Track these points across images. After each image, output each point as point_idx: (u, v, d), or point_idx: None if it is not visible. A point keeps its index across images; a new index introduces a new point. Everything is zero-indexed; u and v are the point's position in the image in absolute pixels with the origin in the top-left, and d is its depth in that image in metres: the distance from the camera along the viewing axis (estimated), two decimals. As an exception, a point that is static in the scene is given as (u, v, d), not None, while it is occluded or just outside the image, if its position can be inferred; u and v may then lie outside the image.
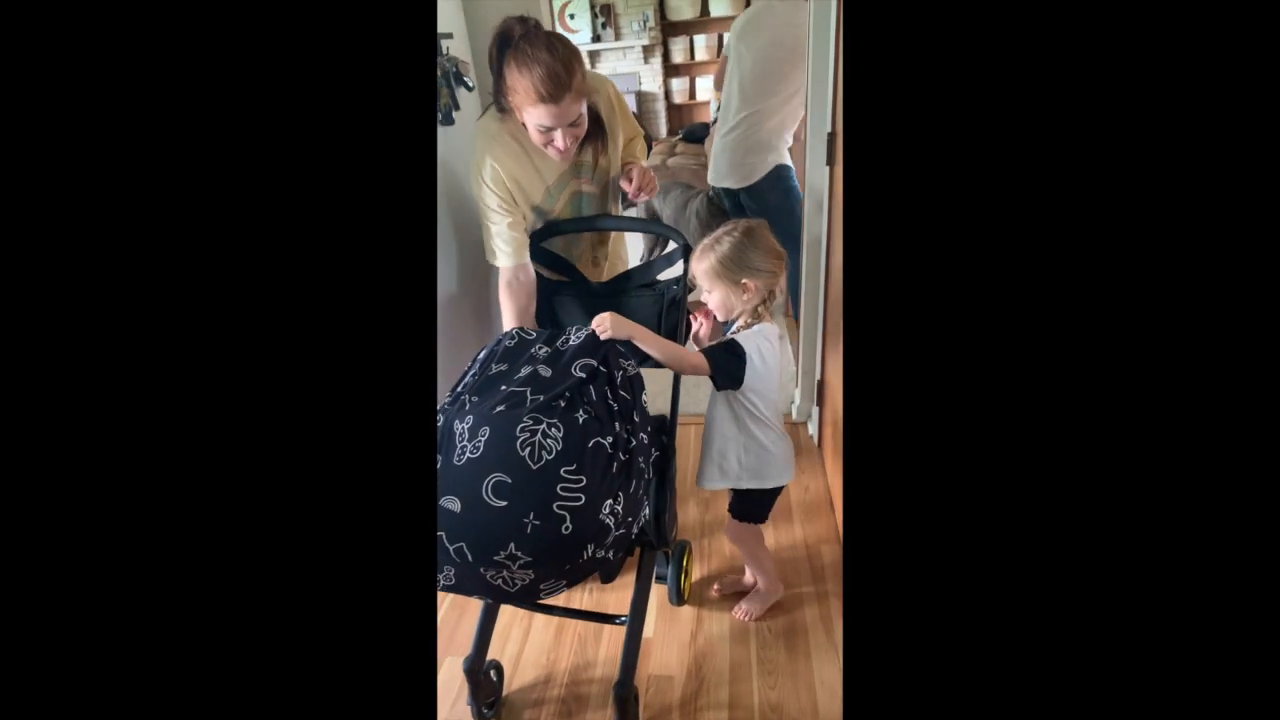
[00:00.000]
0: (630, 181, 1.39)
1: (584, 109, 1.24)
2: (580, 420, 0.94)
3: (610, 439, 0.96)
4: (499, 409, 0.96)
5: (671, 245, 1.39)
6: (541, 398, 0.96)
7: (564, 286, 1.44)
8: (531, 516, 0.89)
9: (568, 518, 0.89)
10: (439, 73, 1.42)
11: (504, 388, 1.00)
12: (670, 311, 1.37)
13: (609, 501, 0.93)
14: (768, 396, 1.25)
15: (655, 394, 1.17)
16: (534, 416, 0.92)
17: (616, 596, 1.52)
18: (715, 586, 1.52)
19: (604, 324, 1.08)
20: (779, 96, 2.14)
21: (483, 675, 1.26)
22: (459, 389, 1.06)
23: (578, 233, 1.46)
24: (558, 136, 1.21)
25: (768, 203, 2.30)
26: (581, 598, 1.53)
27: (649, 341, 1.12)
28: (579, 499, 0.90)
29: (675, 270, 1.40)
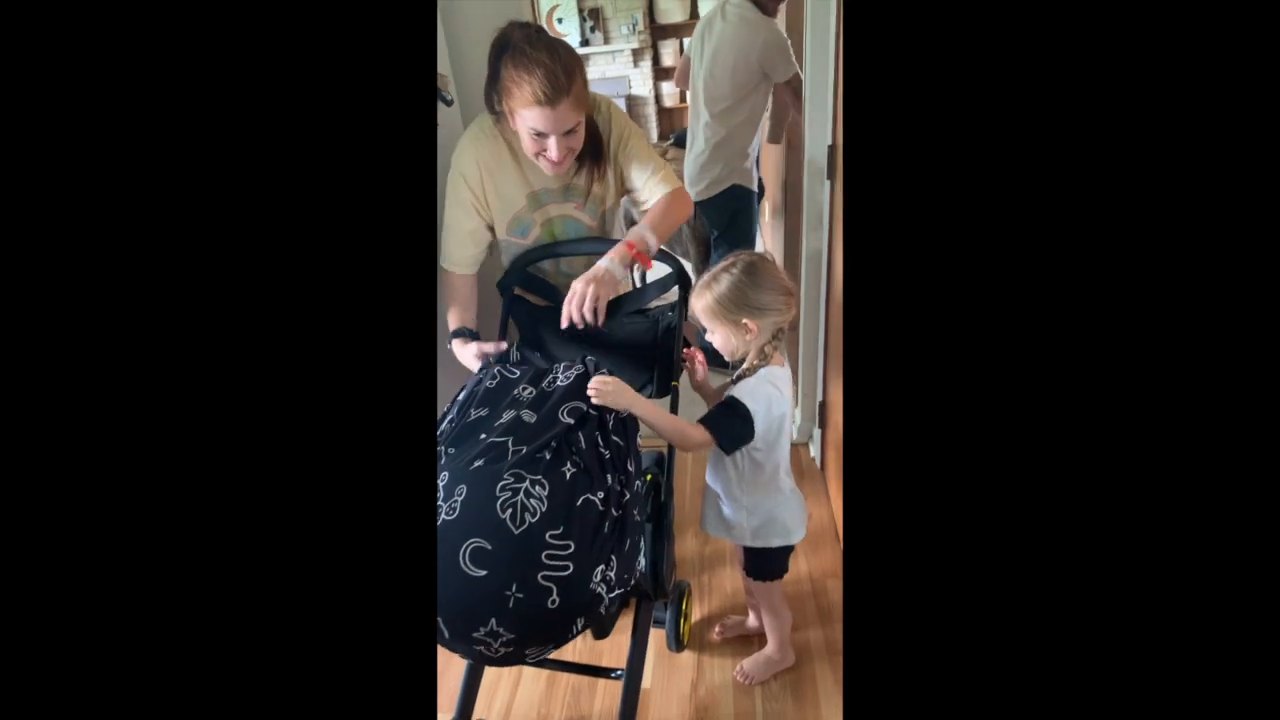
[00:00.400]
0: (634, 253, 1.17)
1: (581, 121, 1.15)
2: (568, 475, 0.85)
3: (602, 494, 0.87)
4: (477, 464, 0.86)
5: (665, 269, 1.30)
6: (524, 449, 0.87)
7: (550, 313, 1.34)
8: (514, 589, 0.79)
9: (554, 590, 0.80)
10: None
11: (484, 437, 0.91)
12: (664, 339, 1.28)
13: (600, 568, 0.84)
14: (776, 453, 1.13)
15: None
16: (515, 472, 0.83)
17: (612, 643, 1.42)
18: (717, 629, 1.42)
19: (602, 390, 0.96)
20: (727, 110, 2.09)
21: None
22: (437, 437, 0.97)
23: (565, 256, 1.36)
24: (551, 145, 1.12)
25: (717, 223, 2.26)
26: (575, 647, 1.44)
27: (650, 416, 1.01)
28: (566, 568, 0.81)
29: (671, 296, 1.31)
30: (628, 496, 0.91)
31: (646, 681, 1.34)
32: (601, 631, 1.18)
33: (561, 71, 1.06)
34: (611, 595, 0.87)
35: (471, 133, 1.23)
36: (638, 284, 1.51)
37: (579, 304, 1.09)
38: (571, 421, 0.91)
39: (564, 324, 1.09)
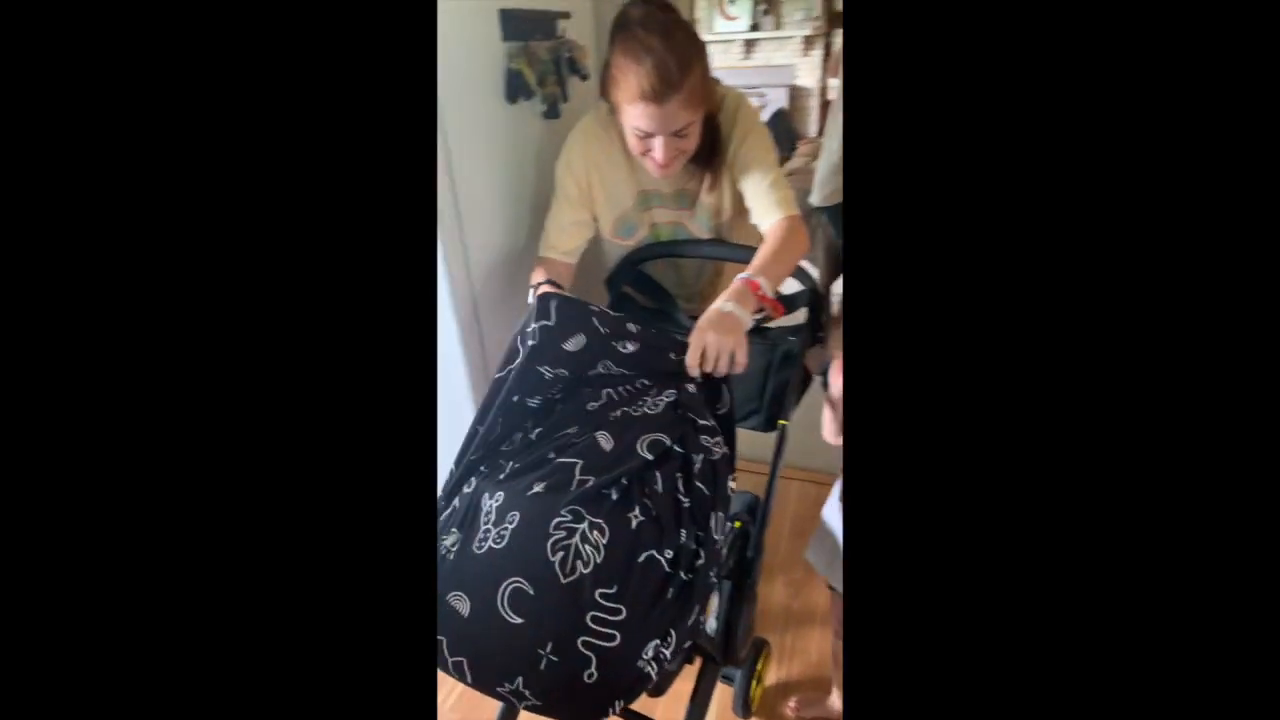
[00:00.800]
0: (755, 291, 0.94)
1: (698, 121, 0.99)
2: (633, 523, 0.71)
3: (671, 552, 0.72)
4: (537, 488, 0.75)
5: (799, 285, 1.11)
6: (591, 481, 0.74)
7: (657, 318, 1.21)
8: (549, 649, 0.67)
9: (593, 661, 0.67)
10: (548, 58, 1.23)
11: (552, 456, 0.79)
12: (781, 369, 1.10)
13: (654, 643, 0.70)
14: None
15: (749, 444, 0.92)
16: (574, 509, 0.70)
17: (673, 691, 1.28)
18: (793, 703, 1.24)
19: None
20: None
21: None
22: (490, 418, 0.85)
23: (683, 258, 1.22)
24: (657, 146, 0.98)
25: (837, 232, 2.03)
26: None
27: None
28: (613, 637, 0.67)
29: (796, 318, 1.13)
30: (702, 559, 0.75)
31: (703, 744, 1.19)
32: (657, 691, 1.05)
33: (675, 63, 0.91)
34: (661, 672, 0.72)
35: (584, 125, 1.11)
36: None
37: (712, 359, 0.86)
38: (650, 458, 0.77)
39: (693, 372, 0.88)
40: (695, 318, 1.16)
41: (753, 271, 0.95)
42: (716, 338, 0.86)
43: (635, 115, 0.95)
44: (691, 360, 0.86)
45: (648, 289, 1.22)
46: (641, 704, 1.23)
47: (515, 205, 1.24)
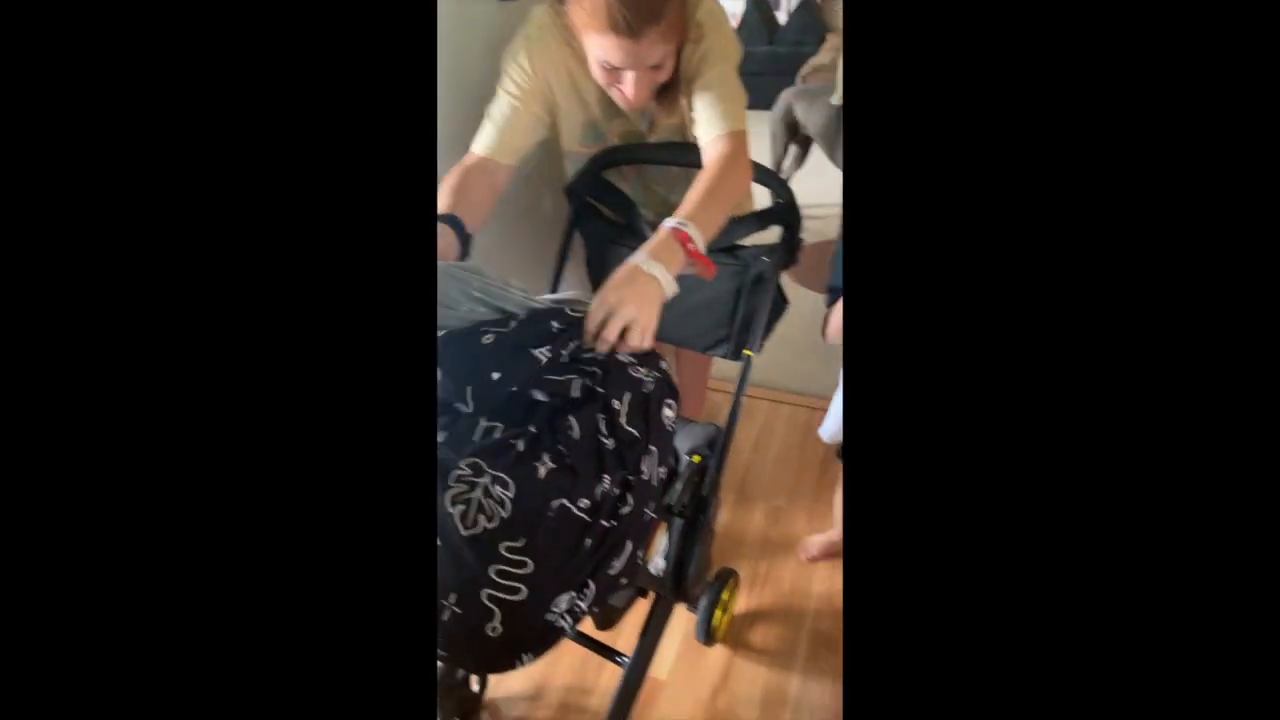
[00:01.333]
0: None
1: (673, 49, 0.84)
2: (541, 473, 0.64)
3: (587, 501, 0.66)
4: (442, 433, 0.68)
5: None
6: (499, 429, 0.67)
7: (622, 234, 1.10)
8: (452, 601, 0.63)
9: (497, 615, 0.62)
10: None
11: (455, 405, 0.69)
12: (753, 294, 1.00)
13: (568, 595, 0.65)
14: None
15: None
16: (474, 463, 0.63)
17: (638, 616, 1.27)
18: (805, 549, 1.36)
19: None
20: None
21: (459, 683, 1.09)
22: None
23: (649, 163, 1.09)
24: (628, 81, 0.84)
25: None
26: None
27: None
28: (519, 590, 0.62)
29: (771, 235, 1.02)
30: (630, 504, 0.69)
31: (663, 671, 1.18)
32: (606, 625, 1.03)
33: None
34: (577, 622, 0.68)
35: (540, 15, 0.94)
36: None
37: (614, 330, 0.72)
38: (557, 401, 0.69)
39: (588, 341, 0.73)
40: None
41: (683, 216, 0.80)
42: (618, 302, 0.72)
43: (603, 48, 0.81)
44: (590, 327, 0.73)
45: (613, 201, 1.11)
46: (605, 634, 1.23)
47: (460, 103, 1.11)
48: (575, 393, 0.69)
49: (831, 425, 1.17)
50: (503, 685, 1.19)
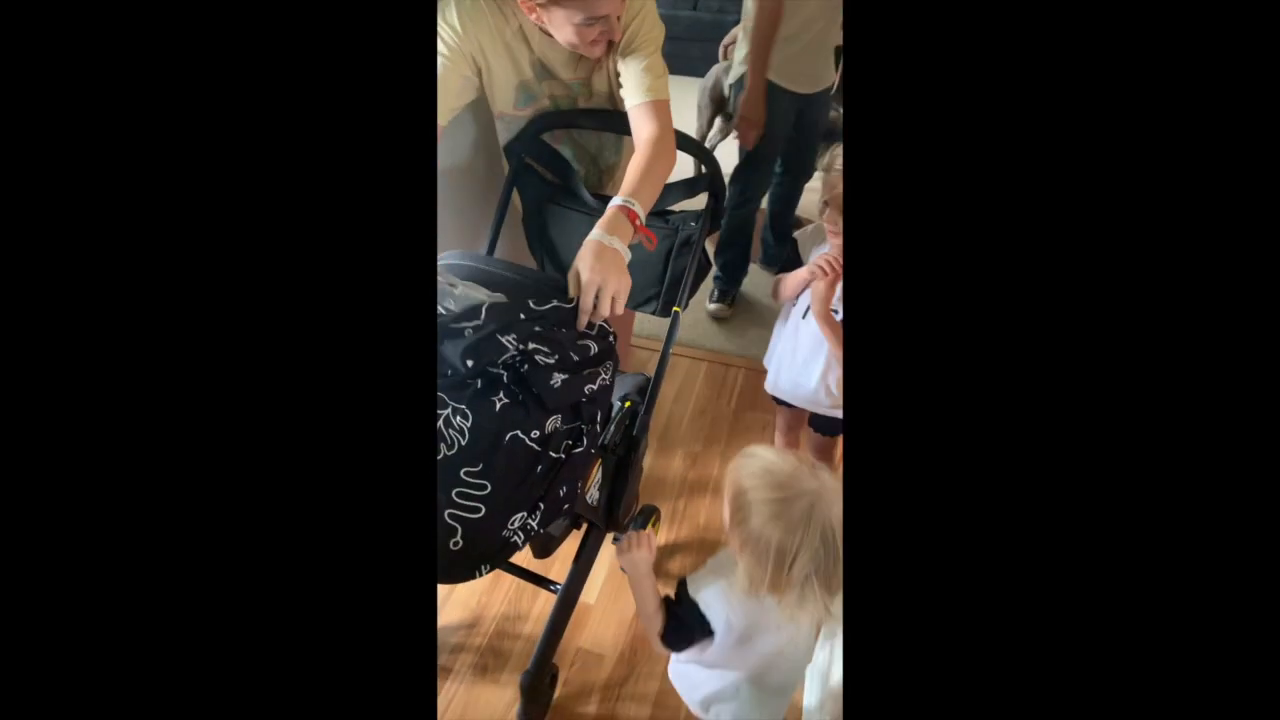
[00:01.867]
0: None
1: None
2: (497, 406, 0.72)
3: (538, 432, 0.75)
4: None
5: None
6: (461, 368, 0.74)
7: (558, 194, 1.17)
8: (416, 519, 0.70)
9: (459, 531, 0.70)
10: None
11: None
12: (680, 255, 1.10)
13: (520, 515, 0.74)
14: None
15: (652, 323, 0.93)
16: (438, 396, 0.71)
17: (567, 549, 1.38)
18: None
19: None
20: None
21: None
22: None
23: (582, 128, 1.16)
24: (612, 27, 0.92)
25: (818, 122, 1.84)
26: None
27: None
28: (477, 510, 0.71)
29: (698, 202, 1.12)
30: (576, 441, 0.79)
31: (591, 597, 1.30)
32: (544, 553, 1.13)
33: None
34: (529, 539, 0.78)
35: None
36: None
37: (606, 303, 0.82)
38: (517, 349, 0.76)
39: (581, 326, 0.83)
40: (600, 196, 1.13)
41: (627, 195, 0.89)
42: (602, 278, 0.82)
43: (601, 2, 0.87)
44: (586, 302, 0.82)
45: (551, 162, 1.17)
46: (539, 565, 1.33)
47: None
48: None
49: (770, 379, 1.28)
50: (441, 615, 1.27)
